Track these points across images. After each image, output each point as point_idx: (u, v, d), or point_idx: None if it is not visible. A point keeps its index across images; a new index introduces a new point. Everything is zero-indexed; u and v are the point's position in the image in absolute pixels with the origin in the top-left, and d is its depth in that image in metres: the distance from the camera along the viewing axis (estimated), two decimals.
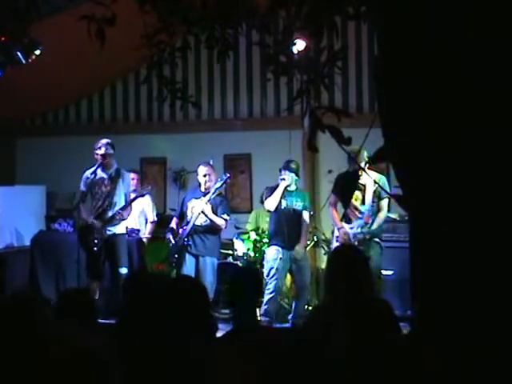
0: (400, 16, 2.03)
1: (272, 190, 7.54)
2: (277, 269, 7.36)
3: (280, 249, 7.43)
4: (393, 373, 3.23)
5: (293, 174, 7.47)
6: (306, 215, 7.62)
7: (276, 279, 7.36)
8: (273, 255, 7.45)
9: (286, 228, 7.41)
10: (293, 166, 7.50)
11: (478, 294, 1.95)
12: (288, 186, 7.45)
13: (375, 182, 6.92)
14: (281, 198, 7.43)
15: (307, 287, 7.60)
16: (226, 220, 7.46)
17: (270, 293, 7.37)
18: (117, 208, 7.46)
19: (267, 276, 7.42)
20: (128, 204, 7.53)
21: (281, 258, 7.40)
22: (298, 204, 7.52)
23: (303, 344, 3.52)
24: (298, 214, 7.53)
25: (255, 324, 3.76)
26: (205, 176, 7.48)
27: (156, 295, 3.31)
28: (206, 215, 7.32)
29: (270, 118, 9.98)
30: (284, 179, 7.42)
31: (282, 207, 7.46)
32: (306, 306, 7.73)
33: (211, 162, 7.74)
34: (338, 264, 3.80)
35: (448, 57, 1.90)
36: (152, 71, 3.89)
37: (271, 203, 7.47)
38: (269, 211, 7.62)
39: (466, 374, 1.98)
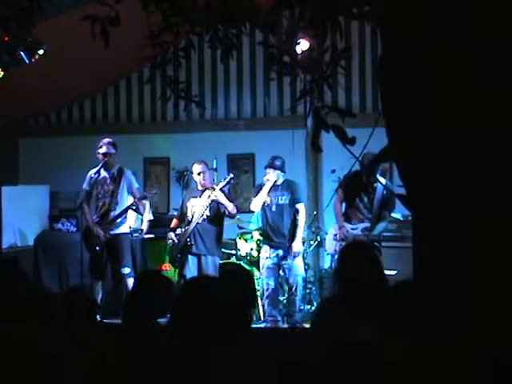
0: (403, 15, 2.02)
1: (260, 188, 7.49)
2: (267, 268, 7.38)
3: (268, 248, 7.45)
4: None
5: (278, 171, 7.40)
6: (300, 207, 7.48)
7: (266, 278, 7.38)
8: (262, 255, 7.51)
9: (272, 226, 7.41)
10: (277, 162, 7.41)
11: (481, 294, 1.95)
12: (274, 183, 7.41)
13: (385, 187, 6.85)
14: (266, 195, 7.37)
15: (299, 286, 7.51)
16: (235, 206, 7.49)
17: (263, 292, 7.44)
18: (119, 208, 7.49)
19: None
20: (140, 200, 7.55)
21: (268, 257, 7.39)
22: (282, 198, 7.41)
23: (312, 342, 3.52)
24: (284, 210, 7.42)
25: None
26: (199, 174, 7.47)
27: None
28: (221, 203, 7.30)
29: (274, 117, 9.98)
30: (268, 180, 7.37)
31: (266, 205, 7.42)
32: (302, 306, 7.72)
33: (215, 162, 7.75)
34: (353, 257, 3.80)
35: (451, 56, 1.90)
36: (155, 71, 3.89)
37: (255, 204, 7.46)
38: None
39: (466, 371, 1.99)
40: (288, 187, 7.47)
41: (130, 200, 7.59)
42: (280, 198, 7.39)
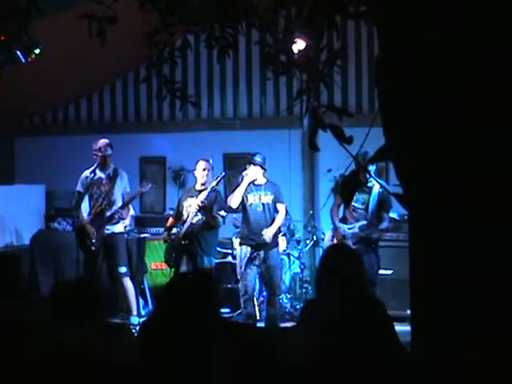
0: (400, 14, 2.03)
1: (238, 185, 7.23)
2: (245, 270, 7.07)
3: (249, 248, 7.10)
4: (387, 370, 3.24)
5: (258, 168, 7.12)
6: (280, 207, 7.18)
7: (245, 281, 7.07)
8: (241, 255, 7.16)
9: (256, 226, 7.10)
10: (256, 159, 7.13)
11: (479, 294, 1.95)
12: (254, 180, 7.13)
13: (381, 186, 6.82)
14: (247, 193, 7.10)
15: (277, 288, 7.26)
16: (223, 217, 7.31)
17: (242, 295, 7.13)
18: (115, 207, 7.48)
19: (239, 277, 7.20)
20: (127, 203, 7.54)
21: (250, 259, 7.07)
22: (266, 197, 7.14)
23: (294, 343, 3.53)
24: (269, 209, 7.14)
25: None
26: (204, 170, 7.38)
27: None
28: (202, 214, 7.25)
29: (270, 117, 9.98)
30: (247, 174, 7.08)
31: (249, 203, 7.14)
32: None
33: (211, 162, 7.72)
34: (331, 260, 3.79)
35: (450, 55, 1.90)
36: (152, 70, 3.89)
37: (233, 200, 7.10)
38: (231, 208, 7.24)
39: (466, 374, 1.99)
40: (273, 187, 7.23)
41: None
42: (264, 196, 7.15)
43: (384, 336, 3.40)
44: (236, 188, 7.19)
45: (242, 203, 7.16)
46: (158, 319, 3.25)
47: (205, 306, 3.23)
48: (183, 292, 3.29)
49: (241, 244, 7.27)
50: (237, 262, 7.29)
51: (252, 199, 7.15)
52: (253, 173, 7.11)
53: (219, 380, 2.96)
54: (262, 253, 7.09)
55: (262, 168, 7.19)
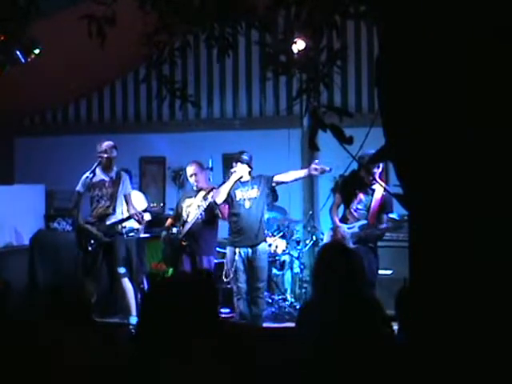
0: (400, 14, 2.03)
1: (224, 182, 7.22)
2: (235, 271, 6.98)
3: (236, 249, 7.02)
4: (384, 369, 3.24)
5: (245, 166, 7.12)
6: (280, 176, 7.09)
7: (237, 282, 6.99)
8: (230, 257, 7.09)
9: (243, 221, 7.02)
10: (243, 157, 7.13)
11: (478, 294, 1.95)
12: (240, 178, 7.09)
13: (385, 190, 6.81)
14: (234, 189, 7.06)
15: (261, 290, 7.06)
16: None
17: (235, 295, 7.05)
18: (118, 210, 7.47)
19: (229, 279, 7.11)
20: (142, 214, 7.46)
21: (237, 260, 7.00)
22: (254, 192, 7.04)
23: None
24: (257, 203, 7.02)
25: None
26: (191, 176, 7.40)
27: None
28: (205, 209, 7.23)
29: (269, 117, 9.98)
30: (235, 171, 7.09)
31: (237, 199, 7.06)
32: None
33: (210, 162, 7.72)
34: (329, 256, 3.79)
35: (449, 55, 1.90)
36: (151, 70, 3.89)
37: (219, 196, 7.06)
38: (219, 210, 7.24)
39: (465, 373, 1.99)
40: (259, 178, 7.14)
41: (124, 204, 7.58)
42: (251, 190, 7.05)
43: (382, 336, 3.40)
44: (222, 185, 7.17)
45: (230, 201, 7.13)
46: (156, 319, 3.25)
47: (203, 305, 3.23)
48: (180, 291, 3.29)
49: (229, 245, 7.21)
50: (226, 262, 7.22)
51: (240, 195, 7.09)
52: (240, 170, 7.12)
53: (218, 380, 2.96)
54: (247, 251, 7.01)
55: (249, 166, 7.18)
